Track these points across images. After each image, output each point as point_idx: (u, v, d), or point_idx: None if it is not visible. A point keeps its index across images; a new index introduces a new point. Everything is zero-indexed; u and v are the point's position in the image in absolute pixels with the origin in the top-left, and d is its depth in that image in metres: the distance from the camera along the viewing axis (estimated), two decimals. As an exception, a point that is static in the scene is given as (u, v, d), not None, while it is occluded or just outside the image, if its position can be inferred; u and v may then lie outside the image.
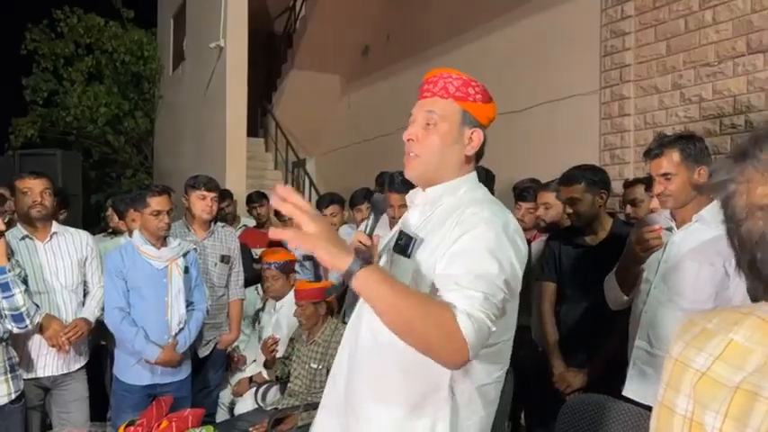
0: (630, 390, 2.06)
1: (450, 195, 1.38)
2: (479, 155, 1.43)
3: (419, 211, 1.43)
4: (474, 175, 1.43)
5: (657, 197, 1.98)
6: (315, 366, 3.03)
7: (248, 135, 7.49)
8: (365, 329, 1.40)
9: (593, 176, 2.55)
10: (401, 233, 1.38)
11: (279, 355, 3.35)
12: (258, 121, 9.66)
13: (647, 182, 2.44)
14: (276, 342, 3.30)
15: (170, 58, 9.83)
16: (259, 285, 3.87)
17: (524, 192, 3.24)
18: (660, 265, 2.04)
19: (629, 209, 3.12)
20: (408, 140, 1.39)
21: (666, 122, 3.96)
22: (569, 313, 2.60)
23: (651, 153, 2.02)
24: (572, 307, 2.59)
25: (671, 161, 1.96)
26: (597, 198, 2.54)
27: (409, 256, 1.33)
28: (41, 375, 2.73)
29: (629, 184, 3.26)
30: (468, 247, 1.23)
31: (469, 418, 1.35)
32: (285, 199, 1.10)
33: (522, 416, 2.95)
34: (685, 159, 1.95)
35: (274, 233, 1.09)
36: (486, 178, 3.12)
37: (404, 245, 1.35)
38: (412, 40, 6.95)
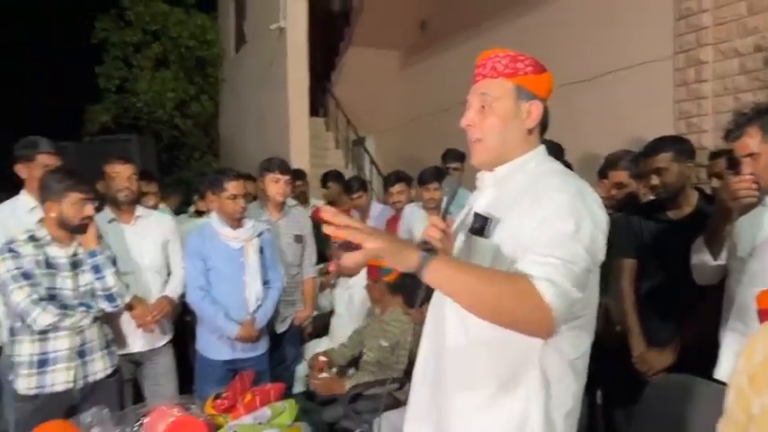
0: (723, 372, 1.98)
1: (520, 172, 1.37)
2: (543, 127, 1.41)
3: (490, 191, 1.42)
4: (542, 148, 1.41)
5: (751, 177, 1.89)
6: (384, 344, 3.09)
7: (309, 115, 7.56)
8: (450, 314, 1.39)
9: (679, 145, 2.44)
10: (476, 215, 1.37)
11: (349, 331, 3.43)
12: (318, 101, 9.74)
13: (730, 157, 2.33)
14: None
15: (231, 41, 10.01)
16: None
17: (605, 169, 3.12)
18: (755, 242, 1.94)
19: (714, 182, 2.97)
20: (467, 126, 1.40)
21: (748, 87, 3.74)
22: (650, 291, 2.50)
23: (731, 135, 1.94)
24: (653, 284, 2.50)
25: (752, 140, 1.88)
26: (684, 168, 2.42)
27: (487, 237, 1.32)
28: (131, 351, 2.90)
29: (714, 156, 3.10)
30: (542, 217, 1.22)
31: (562, 393, 1.33)
32: (333, 223, 1.13)
33: (599, 395, 2.90)
34: (766, 134, 1.86)
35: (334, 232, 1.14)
36: (555, 151, 3.02)
37: (480, 226, 1.34)
38: (470, 12, 6.80)
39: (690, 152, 2.47)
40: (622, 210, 2.77)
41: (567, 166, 2.70)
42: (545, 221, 1.21)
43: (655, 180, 2.44)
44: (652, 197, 2.68)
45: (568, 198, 1.24)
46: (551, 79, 1.40)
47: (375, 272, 3.16)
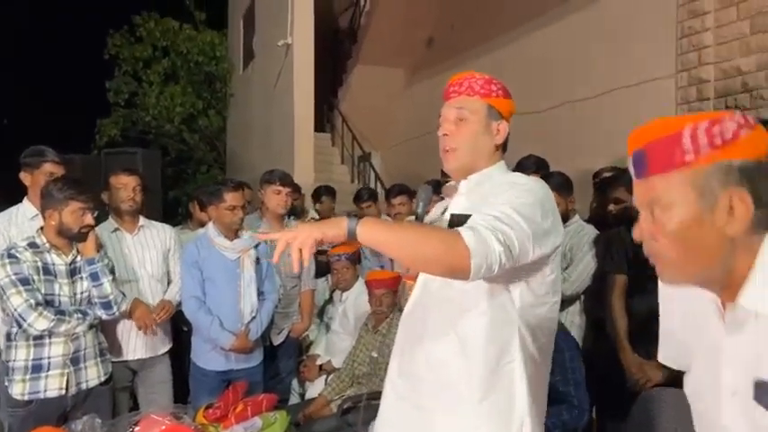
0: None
1: (488, 182, 1.52)
2: (504, 147, 1.57)
3: (464, 198, 1.55)
4: (503, 163, 1.58)
5: None
6: (374, 355, 3.08)
7: (315, 130, 7.64)
8: (434, 311, 1.51)
9: None
10: (452, 215, 1.51)
11: (345, 346, 3.42)
12: (325, 117, 9.83)
13: None
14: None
15: (240, 57, 10.16)
16: (329, 276, 3.95)
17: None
18: None
19: None
20: (443, 135, 1.54)
21: (751, 106, 3.75)
22: (643, 306, 2.49)
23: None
24: (646, 299, 2.49)
25: None
26: None
27: None
28: (130, 358, 2.92)
29: None
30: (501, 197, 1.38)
31: (537, 378, 1.46)
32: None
33: (594, 411, 2.87)
34: None
35: (263, 236, 1.58)
36: (538, 165, 3.06)
37: (458, 222, 1.44)
38: (477, 29, 6.88)
39: None
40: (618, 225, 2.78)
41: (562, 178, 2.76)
42: (494, 202, 1.36)
43: None
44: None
45: (524, 187, 1.41)
46: (514, 105, 1.58)
47: (396, 282, 3.17)
